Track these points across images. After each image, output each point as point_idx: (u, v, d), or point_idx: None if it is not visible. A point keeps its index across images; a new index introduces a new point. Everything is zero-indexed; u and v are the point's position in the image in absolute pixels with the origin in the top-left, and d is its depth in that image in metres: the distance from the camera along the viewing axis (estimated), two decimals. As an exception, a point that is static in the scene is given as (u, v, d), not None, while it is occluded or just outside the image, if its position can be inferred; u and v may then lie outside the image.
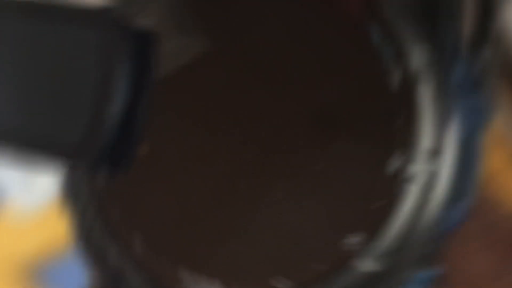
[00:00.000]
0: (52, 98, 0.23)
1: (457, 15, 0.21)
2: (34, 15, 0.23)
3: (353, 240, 0.20)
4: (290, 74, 0.21)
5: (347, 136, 0.21)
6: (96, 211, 0.23)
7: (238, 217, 0.21)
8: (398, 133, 0.20)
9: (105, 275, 0.23)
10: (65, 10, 0.23)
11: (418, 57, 0.21)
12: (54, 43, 0.22)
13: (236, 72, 0.22)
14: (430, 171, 0.20)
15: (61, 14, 0.23)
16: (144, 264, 0.22)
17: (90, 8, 0.22)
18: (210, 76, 0.22)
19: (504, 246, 0.22)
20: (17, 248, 0.48)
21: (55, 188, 0.46)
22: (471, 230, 0.22)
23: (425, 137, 0.20)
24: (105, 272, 0.23)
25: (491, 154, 0.40)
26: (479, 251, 0.22)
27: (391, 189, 0.20)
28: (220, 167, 0.22)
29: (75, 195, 0.24)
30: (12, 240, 0.48)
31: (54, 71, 0.23)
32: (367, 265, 0.20)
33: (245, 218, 0.21)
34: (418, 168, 0.20)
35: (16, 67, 0.23)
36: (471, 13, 0.21)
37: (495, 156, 0.40)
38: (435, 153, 0.20)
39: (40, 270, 0.48)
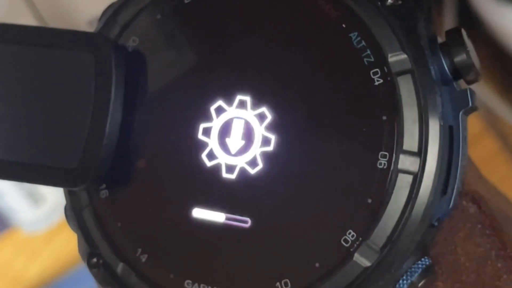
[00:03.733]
0: (47, 123, 0.23)
1: (432, 14, 0.22)
2: (28, 38, 0.23)
3: (350, 236, 0.21)
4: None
5: (334, 135, 0.22)
6: (97, 227, 0.24)
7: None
8: (385, 130, 0.21)
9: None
10: (59, 33, 0.23)
11: (397, 56, 0.21)
12: (48, 65, 0.23)
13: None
14: (417, 165, 0.21)
15: (56, 37, 0.23)
16: (149, 277, 0.23)
17: (82, 32, 0.23)
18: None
19: (490, 236, 0.23)
20: (26, 267, 0.48)
21: (63, 206, 0.47)
22: (458, 220, 0.23)
23: (411, 132, 0.21)
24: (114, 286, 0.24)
25: (481, 142, 0.41)
26: (465, 241, 0.23)
27: (381, 184, 0.21)
28: None
29: (76, 213, 0.24)
30: (21, 260, 0.48)
31: (48, 93, 0.23)
32: (365, 259, 0.21)
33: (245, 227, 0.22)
34: (406, 162, 0.21)
35: (9, 89, 0.23)
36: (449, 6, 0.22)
37: (485, 144, 0.41)
38: (421, 146, 0.21)
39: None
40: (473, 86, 0.22)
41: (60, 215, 0.47)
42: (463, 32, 0.22)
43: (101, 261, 0.24)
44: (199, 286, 0.22)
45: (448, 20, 0.42)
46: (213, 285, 0.22)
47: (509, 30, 0.43)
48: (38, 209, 0.46)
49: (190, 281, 0.23)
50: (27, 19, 0.32)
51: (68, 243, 0.47)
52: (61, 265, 0.48)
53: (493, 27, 0.43)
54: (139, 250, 0.23)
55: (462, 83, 0.23)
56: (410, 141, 0.21)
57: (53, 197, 0.46)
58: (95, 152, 0.23)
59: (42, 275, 0.48)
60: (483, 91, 0.43)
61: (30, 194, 0.46)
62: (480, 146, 0.39)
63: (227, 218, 0.22)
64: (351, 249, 0.21)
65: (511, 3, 0.42)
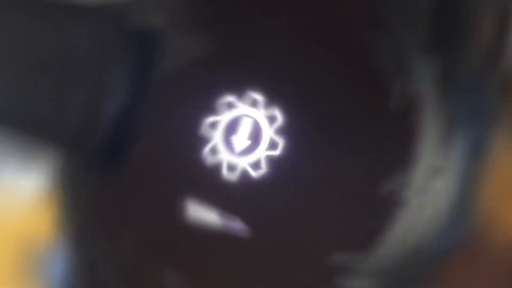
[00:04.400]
0: (50, 90, 0.22)
1: (472, 28, 0.21)
2: (34, 11, 0.22)
3: (342, 257, 0.20)
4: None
5: (343, 150, 0.21)
6: (87, 206, 0.23)
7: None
8: (396, 154, 0.20)
9: (92, 269, 0.23)
10: (64, 7, 0.22)
11: (421, 73, 0.21)
12: (53, 39, 0.22)
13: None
14: (425, 195, 0.20)
15: (61, 11, 0.22)
16: (134, 265, 0.22)
17: (86, 6, 0.22)
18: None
19: (495, 275, 0.22)
20: (13, 228, 0.48)
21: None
22: (464, 256, 0.22)
23: (423, 160, 0.20)
24: (92, 267, 0.23)
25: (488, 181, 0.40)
26: (470, 278, 0.22)
27: (384, 209, 0.20)
28: None
29: (68, 189, 0.24)
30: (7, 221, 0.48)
31: (52, 65, 0.22)
32: (354, 283, 0.20)
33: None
34: (414, 190, 0.20)
35: (16, 59, 0.23)
36: (485, 28, 0.21)
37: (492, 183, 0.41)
38: (432, 176, 0.20)
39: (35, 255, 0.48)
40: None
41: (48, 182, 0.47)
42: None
43: (84, 239, 0.23)
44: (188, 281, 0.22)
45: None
46: None
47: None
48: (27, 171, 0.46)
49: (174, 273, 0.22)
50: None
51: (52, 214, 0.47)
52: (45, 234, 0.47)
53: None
54: (126, 233, 0.22)
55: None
56: (421, 168, 0.21)
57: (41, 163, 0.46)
58: (95, 122, 0.22)
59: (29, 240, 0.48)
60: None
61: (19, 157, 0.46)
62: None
63: (222, 220, 0.22)
64: (341, 270, 0.21)
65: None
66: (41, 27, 0.22)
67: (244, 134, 0.22)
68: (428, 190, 0.20)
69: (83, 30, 0.22)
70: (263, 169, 0.21)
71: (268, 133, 0.21)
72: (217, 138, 0.22)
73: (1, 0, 0.22)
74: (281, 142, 0.21)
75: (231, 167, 0.22)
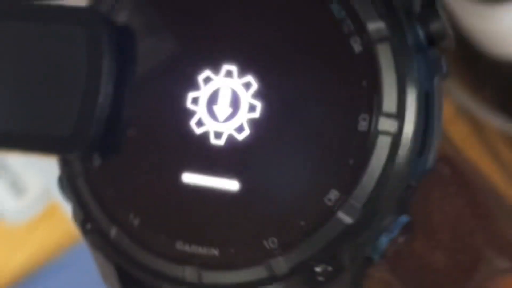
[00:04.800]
0: (41, 94, 0.24)
1: None
2: (22, 15, 0.24)
3: (333, 195, 0.22)
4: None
5: (316, 98, 0.23)
6: (91, 194, 0.25)
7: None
8: (365, 94, 0.22)
9: (108, 254, 0.25)
10: (51, 9, 0.24)
11: (375, 24, 0.23)
12: (42, 40, 0.24)
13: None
14: (396, 126, 0.22)
15: (48, 13, 0.24)
16: (142, 239, 0.24)
17: (75, 7, 0.24)
18: None
19: (464, 196, 0.24)
20: (9, 258, 0.49)
21: (46, 195, 0.47)
22: (434, 182, 0.25)
23: (389, 96, 0.22)
24: (107, 251, 0.25)
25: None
26: (441, 201, 0.24)
27: (362, 145, 0.22)
28: None
29: (70, 182, 0.25)
30: (3, 251, 0.49)
31: (42, 67, 0.24)
32: (347, 216, 0.22)
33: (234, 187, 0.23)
34: (385, 124, 0.22)
35: (5, 65, 0.24)
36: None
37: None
38: (399, 109, 0.22)
39: (31, 278, 0.49)
40: (445, 84, 0.24)
41: (43, 205, 0.48)
42: (437, 0, 0.23)
43: (95, 227, 0.25)
44: (189, 246, 0.23)
45: None
46: (203, 245, 0.23)
47: (477, 26, 0.45)
48: (20, 200, 0.47)
49: (181, 242, 0.24)
50: None
51: (50, 234, 0.48)
52: (43, 256, 0.48)
53: (461, 22, 0.45)
54: (132, 214, 0.24)
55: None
56: (389, 104, 0.22)
57: (35, 188, 0.47)
58: (89, 120, 0.24)
59: (24, 266, 0.48)
60: (454, 89, 0.44)
61: (12, 185, 0.47)
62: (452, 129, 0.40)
63: (215, 181, 0.24)
64: (335, 208, 0.22)
65: (484, 2, 0.43)
66: (30, 30, 0.24)
67: (225, 103, 0.24)
68: (398, 121, 0.22)
69: (72, 29, 0.24)
70: (247, 131, 0.23)
71: (246, 98, 0.24)
72: (201, 111, 0.24)
73: None
74: (259, 104, 0.23)
75: (218, 135, 0.24)
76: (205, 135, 0.24)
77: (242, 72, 0.24)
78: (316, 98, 0.23)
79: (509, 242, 0.24)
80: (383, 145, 0.22)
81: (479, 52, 0.45)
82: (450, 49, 0.23)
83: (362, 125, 0.22)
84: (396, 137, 0.22)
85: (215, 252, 0.23)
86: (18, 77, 0.24)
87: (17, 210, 0.47)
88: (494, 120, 0.43)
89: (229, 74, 0.24)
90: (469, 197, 0.24)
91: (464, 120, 0.43)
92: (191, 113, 0.24)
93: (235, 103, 0.24)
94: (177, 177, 0.24)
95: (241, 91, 0.24)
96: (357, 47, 0.23)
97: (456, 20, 0.45)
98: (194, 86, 0.24)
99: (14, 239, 0.49)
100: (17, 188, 0.47)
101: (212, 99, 0.24)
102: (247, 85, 0.23)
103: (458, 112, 0.43)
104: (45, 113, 0.24)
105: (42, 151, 0.25)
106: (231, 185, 0.23)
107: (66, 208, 0.26)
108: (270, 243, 0.23)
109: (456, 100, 0.44)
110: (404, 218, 0.23)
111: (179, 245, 0.24)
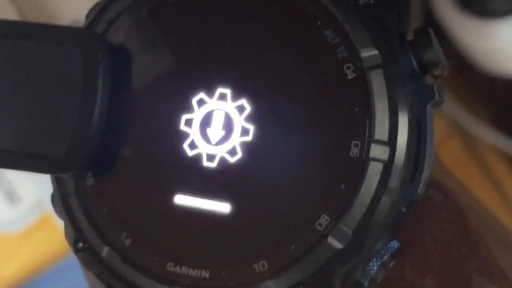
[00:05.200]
0: (36, 113, 0.24)
1: (403, 13, 0.24)
2: (19, 34, 0.24)
3: (324, 220, 0.23)
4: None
5: (308, 123, 0.23)
6: (84, 213, 0.25)
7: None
8: (357, 121, 0.22)
9: (99, 273, 0.25)
10: (48, 29, 0.24)
11: (368, 52, 0.23)
12: (38, 60, 0.24)
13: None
14: (387, 153, 0.22)
15: (45, 32, 0.24)
16: (133, 259, 0.24)
17: (71, 27, 0.24)
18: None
19: (455, 222, 0.24)
20: (1, 268, 0.49)
21: (40, 205, 0.47)
22: (425, 208, 0.25)
23: (381, 123, 0.22)
24: (98, 270, 0.25)
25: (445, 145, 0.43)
26: (432, 227, 0.24)
27: (354, 171, 0.22)
28: None
29: (63, 200, 0.25)
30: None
31: (38, 87, 0.24)
32: (337, 241, 0.22)
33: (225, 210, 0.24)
34: (377, 151, 0.22)
35: (1, 84, 0.24)
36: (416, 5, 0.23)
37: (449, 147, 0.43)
38: (391, 136, 0.22)
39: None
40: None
41: (37, 215, 0.48)
42: (430, 30, 0.23)
43: (86, 246, 0.25)
44: (180, 267, 0.24)
45: (416, 22, 0.44)
46: (194, 267, 0.23)
47: (471, 42, 0.45)
48: (14, 209, 0.47)
49: (172, 264, 0.24)
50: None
51: (44, 243, 0.48)
52: (37, 266, 0.48)
53: (456, 37, 0.45)
54: (124, 234, 0.24)
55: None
56: (381, 131, 0.22)
57: (30, 197, 0.47)
58: (83, 140, 0.24)
59: (18, 276, 0.48)
60: (447, 104, 0.45)
61: (6, 194, 0.47)
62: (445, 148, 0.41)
63: (207, 204, 0.24)
64: (325, 232, 0.23)
65: (472, 14, 0.44)
66: (25, 50, 0.24)
67: (218, 125, 0.24)
68: (389, 148, 0.22)
69: (68, 49, 0.24)
70: (239, 154, 0.24)
71: (239, 122, 0.24)
72: (194, 133, 0.24)
73: None
74: (251, 128, 0.24)
75: (210, 157, 0.24)
76: (197, 157, 0.24)
77: (236, 95, 0.24)
78: (309, 123, 0.23)
79: (499, 269, 0.24)
80: (374, 171, 0.22)
81: (472, 65, 0.45)
82: (444, 76, 0.23)
83: (354, 151, 0.23)
84: (388, 164, 0.22)
85: (205, 274, 0.23)
86: (14, 95, 0.25)
87: (11, 219, 0.47)
88: (487, 135, 0.43)
89: (223, 97, 0.24)
90: (461, 223, 0.24)
91: (457, 138, 0.43)
92: (184, 135, 0.24)
93: (228, 126, 0.24)
94: (169, 198, 0.24)
95: (234, 114, 0.24)
96: (350, 73, 0.23)
97: (451, 34, 0.45)
98: (188, 108, 0.24)
99: (8, 248, 0.49)
100: (11, 197, 0.47)
101: (205, 122, 0.24)
102: (241, 109, 0.24)
103: (450, 129, 0.43)
104: (40, 132, 0.24)
105: (35, 170, 0.25)
106: (223, 207, 0.24)
107: (59, 219, 0.26)
108: (261, 266, 0.23)
109: (449, 116, 0.44)
110: (394, 244, 0.23)
111: (170, 267, 0.24)
